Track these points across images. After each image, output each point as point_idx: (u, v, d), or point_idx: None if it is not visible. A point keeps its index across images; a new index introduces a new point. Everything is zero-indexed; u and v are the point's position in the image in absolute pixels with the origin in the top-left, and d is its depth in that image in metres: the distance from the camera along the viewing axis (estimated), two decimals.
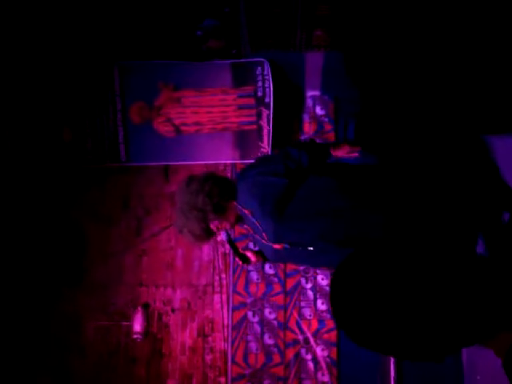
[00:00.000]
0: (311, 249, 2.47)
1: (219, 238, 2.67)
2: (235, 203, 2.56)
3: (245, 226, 2.66)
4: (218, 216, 2.52)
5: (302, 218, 2.44)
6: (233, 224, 2.61)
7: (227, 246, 3.33)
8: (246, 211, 2.53)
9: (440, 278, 0.99)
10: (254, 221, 2.51)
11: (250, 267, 3.75)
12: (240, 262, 2.72)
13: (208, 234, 2.57)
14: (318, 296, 3.81)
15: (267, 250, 2.61)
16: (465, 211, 2.49)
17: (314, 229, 2.43)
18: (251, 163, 2.92)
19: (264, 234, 2.52)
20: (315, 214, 2.44)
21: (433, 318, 0.98)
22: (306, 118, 3.93)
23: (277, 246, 2.53)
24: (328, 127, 3.91)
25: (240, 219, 2.61)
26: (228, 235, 2.62)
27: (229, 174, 3.91)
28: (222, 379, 3.81)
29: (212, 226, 2.54)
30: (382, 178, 2.64)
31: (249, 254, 2.71)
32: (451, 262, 1.01)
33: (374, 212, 2.43)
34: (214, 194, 2.50)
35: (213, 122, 3.86)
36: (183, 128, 3.90)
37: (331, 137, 3.91)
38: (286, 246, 2.51)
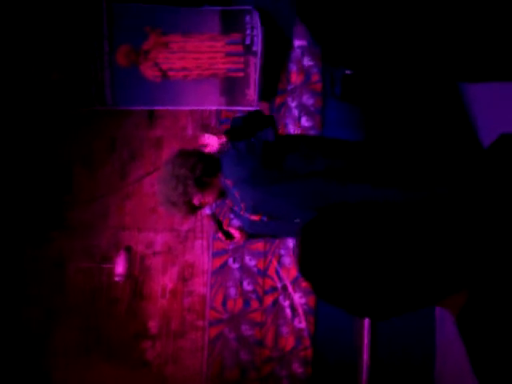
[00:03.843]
0: (286, 223, 2.55)
1: (204, 213, 2.71)
2: (219, 175, 2.61)
3: (226, 202, 2.71)
4: (200, 190, 2.56)
5: (277, 182, 2.50)
6: (215, 199, 2.65)
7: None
8: (228, 181, 2.58)
9: (398, 238, 1.02)
10: (234, 191, 2.57)
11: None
12: (223, 238, 2.77)
13: (191, 208, 2.61)
14: None
15: (245, 222, 2.67)
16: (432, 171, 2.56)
17: (289, 194, 2.49)
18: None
19: (242, 205, 2.58)
20: (291, 178, 2.51)
21: (389, 276, 1.01)
22: (293, 67, 3.92)
23: (254, 218, 2.59)
24: (315, 78, 3.90)
25: (223, 194, 2.65)
26: (212, 210, 2.66)
27: (213, 121, 3.92)
28: (200, 323, 3.90)
29: (195, 201, 2.58)
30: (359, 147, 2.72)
31: (232, 231, 2.75)
32: (411, 222, 1.03)
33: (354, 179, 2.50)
34: (198, 169, 2.55)
35: (200, 68, 3.84)
36: (170, 73, 3.88)
37: (318, 88, 3.91)
38: (264, 218, 2.57)
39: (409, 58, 3.39)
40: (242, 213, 2.62)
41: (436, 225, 1.03)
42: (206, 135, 2.61)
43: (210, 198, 2.61)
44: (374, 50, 3.55)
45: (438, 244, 1.02)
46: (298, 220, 2.51)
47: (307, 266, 1.09)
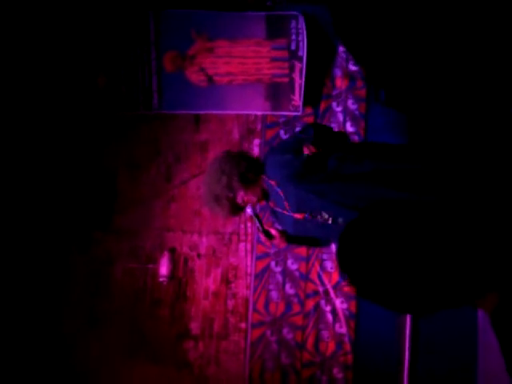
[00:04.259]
0: (330, 222, 2.56)
1: (246, 213, 2.76)
2: (262, 176, 2.67)
3: (269, 204, 2.74)
4: (244, 186, 2.61)
5: (322, 181, 2.54)
6: (259, 198, 2.69)
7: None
8: (272, 182, 2.63)
9: (439, 239, 1.05)
10: (278, 190, 2.61)
11: None
12: (263, 238, 2.83)
13: (234, 207, 2.66)
14: None
15: (288, 222, 2.69)
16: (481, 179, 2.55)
17: (334, 193, 2.52)
18: (280, 141, 3.07)
19: (286, 204, 2.61)
20: (334, 179, 2.54)
21: (430, 274, 1.04)
22: (338, 72, 3.93)
23: (297, 216, 2.62)
24: (360, 84, 3.91)
25: (266, 196, 2.70)
26: (254, 210, 2.71)
27: (259, 126, 3.96)
28: (243, 325, 3.93)
29: (238, 198, 2.63)
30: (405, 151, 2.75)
31: (273, 232, 2.78)
32: (451, 224, 1.07)
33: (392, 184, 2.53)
34: (242, 165, 2.64)
35: (245, 73, 3.89)
36: (216, 78, 3.94)
37: (363, 93, 3.92)
38: (307, 216, 2.60)
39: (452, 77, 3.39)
40: (285, 212, 2.65)
41: (472, 226, 1.07)
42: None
43: (252, 196, 2.65)
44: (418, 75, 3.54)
45: (472, 244, 1.05)
46: (341, 219, 2.54)
47: (349, 262, 1.11)
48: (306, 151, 2.56)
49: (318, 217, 2.59)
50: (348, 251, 1.10)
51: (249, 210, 2.69)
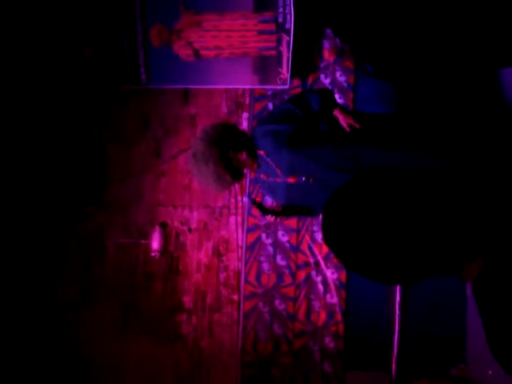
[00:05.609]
0: (321, 184, 2.60)
1: (244, 203, 2.77)
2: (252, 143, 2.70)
3: (261, 177, 2.76)
4: (235, 148, 2.63)
5: (315, 145, 2.56)
6: (252, 162, 2.70)
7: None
8: (261, 152, 2.67)
9: (422, 209, 1.06)
10: (268, 160, 2.63)
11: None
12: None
13: (229, 167, 2.63)
14: None
15: (281, 189, 2.71)
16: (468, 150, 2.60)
17: (326, 156, 2.56)
18: (267, 113, 3.06)
19: (278, 171, 2.63)
20: (326, 142, 2.59)
21: (411, 244, 1.05)
22: (326, 44, 3.93)
23: (291, 180, 2.64)
24: (348, 55, 3.91)
25: (258, 164, 2.72)
26: (251, 199, 2.72)
27: (247, 99, 3.96)
28: (235, 297, 3.98)
29: (234, 158, 2.63)
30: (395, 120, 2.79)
31: (276, 208, 2.81)
32: (433, 196, 1.08)
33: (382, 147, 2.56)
34: (232, 129, 2.70)
35: (232, 47, 3.87)
36: (203, 52, 3.92)
37: (351, 65, 3.92)
38: (301, 178, 2.62)
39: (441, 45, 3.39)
40: (277, 180, 2.68)
41: (455, 193, 1.08)
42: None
43: (247, 158, 2.66)
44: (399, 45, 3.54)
45: (455, 211, 1.06)
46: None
47: (332, 233, 1.12)
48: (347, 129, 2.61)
49: (311, 179, 2.63)
50: (331, 221, 1.10)
51: (245, 200, 2.72)
